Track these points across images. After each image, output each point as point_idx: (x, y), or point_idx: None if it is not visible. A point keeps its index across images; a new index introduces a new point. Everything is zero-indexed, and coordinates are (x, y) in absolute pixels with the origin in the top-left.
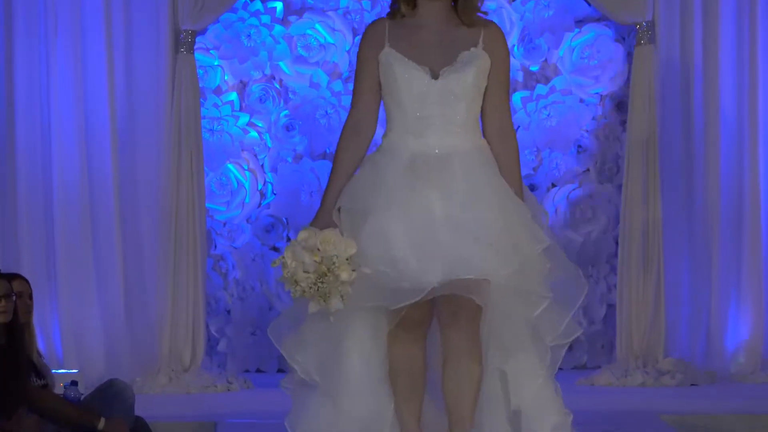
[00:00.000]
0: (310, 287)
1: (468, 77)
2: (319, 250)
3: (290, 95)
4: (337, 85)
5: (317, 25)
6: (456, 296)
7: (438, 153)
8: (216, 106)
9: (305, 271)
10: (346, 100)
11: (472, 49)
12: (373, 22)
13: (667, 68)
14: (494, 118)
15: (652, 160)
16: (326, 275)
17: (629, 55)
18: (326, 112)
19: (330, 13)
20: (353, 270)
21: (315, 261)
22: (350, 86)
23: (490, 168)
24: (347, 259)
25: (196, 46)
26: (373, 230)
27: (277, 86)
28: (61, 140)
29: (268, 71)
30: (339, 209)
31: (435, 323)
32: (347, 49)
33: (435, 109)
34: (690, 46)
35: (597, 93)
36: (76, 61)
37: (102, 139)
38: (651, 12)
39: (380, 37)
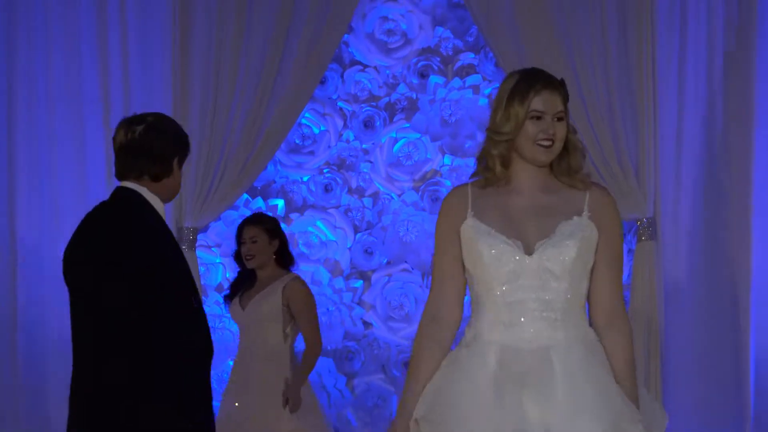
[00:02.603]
0: None
1: (570, 252)
2: None
3: None
4: (338, 282)
5: (318, 223)
6: None
7: (533, 347)
8: (218, 303)
9: None
10: (347, 297)
11: (575, 218)
12: (454, 188)
13: (670, 263)
14: (602, 301)
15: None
16: None
17: (630, 252)
18: (327, 309)
19: (331, 210)
20: None
21: None
22: (351, 284)
23: (597, 366)
24: None
25: (197, 244)
26: None
27: None
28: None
29: None
30: (417, 419)
31: None
32: (348, 246)
33: (529, 293)
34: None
35: None
36: None
37: None
38: (652, 209)
39: (462, 206)
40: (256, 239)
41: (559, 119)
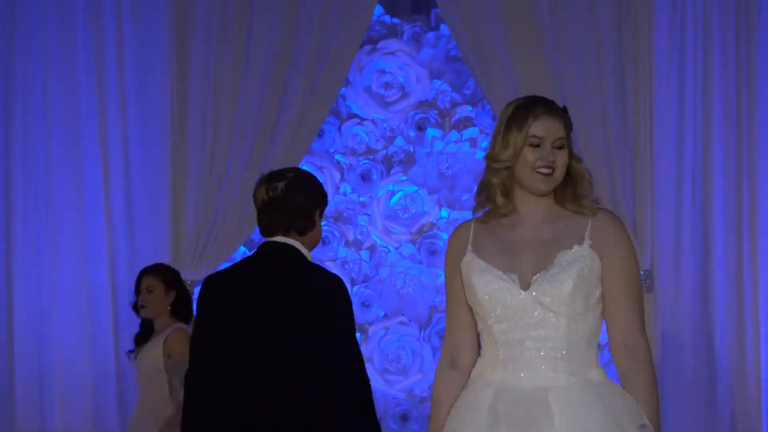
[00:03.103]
0: None
1: (565, 286)
2: None
3: None
4: None
5: None
6: None
7: (529, 389)
8: None
9: None
10: None
11: (575, 247)
12: (458, 225)
13: (669, 316)
14: (616, 331)
15: None
16: None
17: None
18: None
19: (329, 263)
20: None
21: None
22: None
23: (602, 410)
24: None
25: (195, 296)
26: None
27: None
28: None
29: None
30: None
31: None
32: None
33: (527, 330)
34: (690, 293)
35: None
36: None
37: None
38: (649, 261)
39: (463, 243)
40: (152, 289)
41: (560, 147)
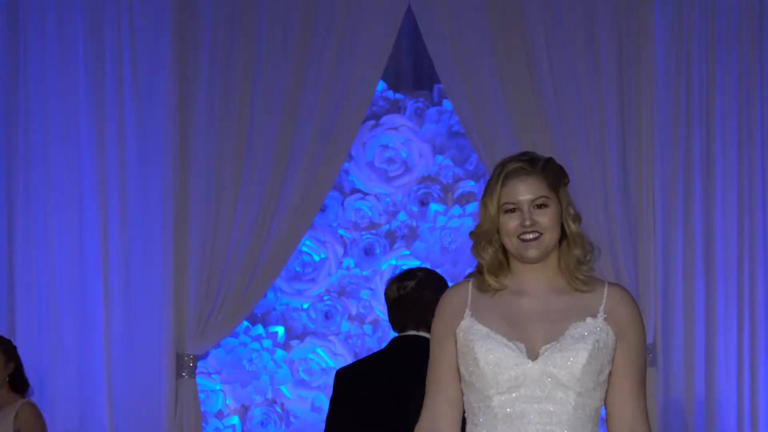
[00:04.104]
0: None
1: (580, 358)
2: None
3: (291, 419)
4: None
5: (319, 350)
6: None
7: None
8: (218, 430)
9: None
10: None
11: (588, 319)
12: (453, 285)
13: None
14: (622, 417)
15: None
16: None
17: None
18: None
19: (331, 337)
20: None
21: None
22: None
23: None
24: None
25: (197, 371)
26: None
27: (279, 410)
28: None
29: (269, 395)
30: None
31: None
32: None
33: (531, 404)
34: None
35: None
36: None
37: None
38: (652, 335)
39: (460, 306)
40: None
41: (540, 206)
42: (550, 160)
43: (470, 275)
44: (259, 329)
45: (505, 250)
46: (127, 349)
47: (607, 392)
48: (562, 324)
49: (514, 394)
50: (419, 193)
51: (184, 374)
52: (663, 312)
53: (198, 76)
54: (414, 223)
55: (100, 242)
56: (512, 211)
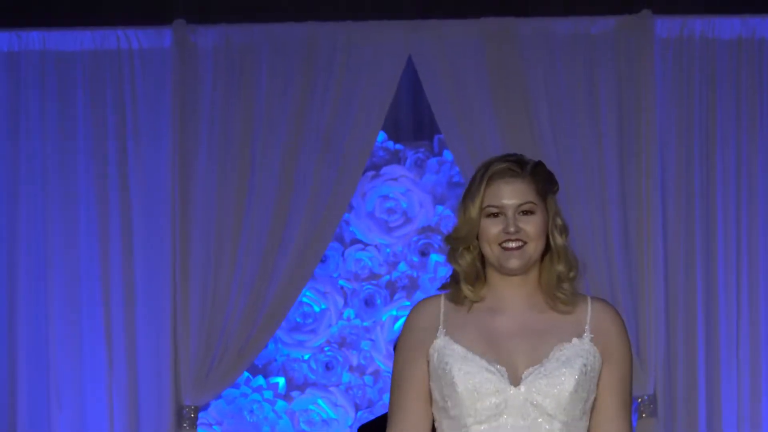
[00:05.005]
0: None
1: (566, 384)
2: None
3: None
4: None
5: (319, 401)
6: None
7: None
8: None
9: None
10: None
11: (574, 340)
12: (422, 300)
13: None
14: None
15: None
16: None
17: None
18: None
19: (332, 388)
20: None
21: None
22: None
23: None
24: None
25: (198, 422)
26: None
27: None
28: None
29: None
30: None
31: None
32: (349, 424)
33: None
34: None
35: None
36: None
37: None
38: (653, 386)
39: (430, 323)
40: None
41: (526, 212)
42: (539, 164)
43: (443, 286)
44: (260, 380)
45: (483, 260)
46: (128, 401)
47: (592, 415)
48: (545, 345)
49: (493, 423)
50: (420, 243)
51: (185, 425)
52: (662, 361)
53: (198, 130)
54: (415, 274)
55: (101, 293)
56: (495, 215)
